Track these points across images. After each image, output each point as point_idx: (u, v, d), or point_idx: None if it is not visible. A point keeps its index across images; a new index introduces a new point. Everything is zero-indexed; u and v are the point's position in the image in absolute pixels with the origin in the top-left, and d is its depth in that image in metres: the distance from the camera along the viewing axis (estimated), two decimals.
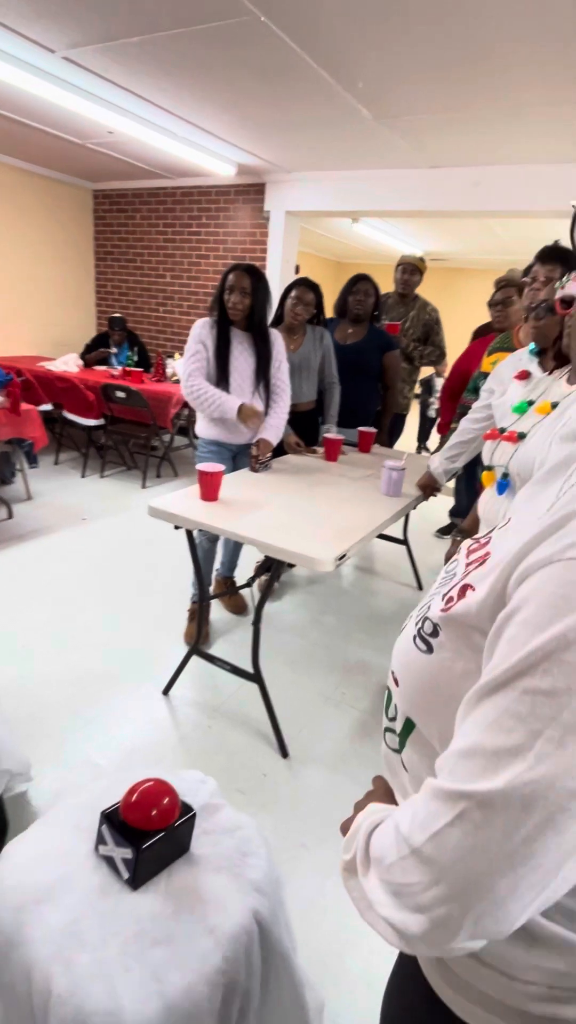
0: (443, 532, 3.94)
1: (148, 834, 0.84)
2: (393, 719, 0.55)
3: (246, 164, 4.32)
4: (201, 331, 2.24)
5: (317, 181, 4.37)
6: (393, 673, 0.54)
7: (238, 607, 2.69)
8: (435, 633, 0.47)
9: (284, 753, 1.87)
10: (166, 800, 0.87)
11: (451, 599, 0.47)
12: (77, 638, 2.40)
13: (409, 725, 0.51)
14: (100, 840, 0.86)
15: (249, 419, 2.24)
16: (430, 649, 0.47)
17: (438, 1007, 0.49)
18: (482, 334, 3.22)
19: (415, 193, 4.06)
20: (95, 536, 3.41)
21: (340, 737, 1.98)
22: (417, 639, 0.49)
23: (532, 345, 1.77)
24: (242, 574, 2.82)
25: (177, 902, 0.81)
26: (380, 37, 2.24)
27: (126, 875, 0.83)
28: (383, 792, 0.61)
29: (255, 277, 2.22)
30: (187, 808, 0.90)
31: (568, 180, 3.53)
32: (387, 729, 0.58)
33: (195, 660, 2.12)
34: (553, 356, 1.41)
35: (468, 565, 0.53)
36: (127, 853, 0.82)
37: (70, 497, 4.00)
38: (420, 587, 3.12)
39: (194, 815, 0.90)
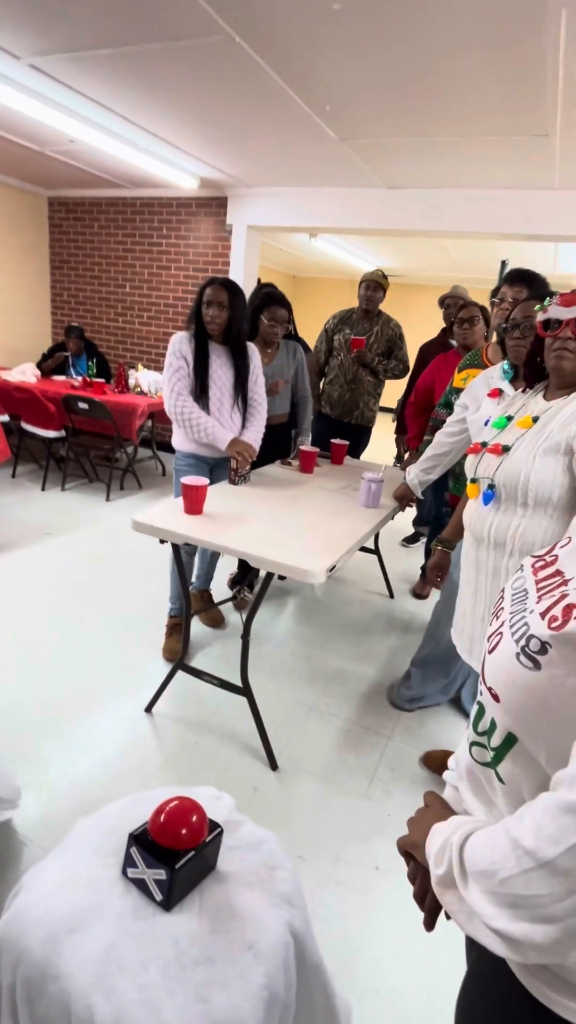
0: (408, 541, 4.04)
1: (179, 853, 0.83)
2: (484, 733, 0.57)
3: (209, 178, 4.35)
4: (181, 345, 2.24)
5: (279, 197, 4.44)
6: (491, 689, 0.56)
7: (215, 620, 2.67)
8: (543, 651, 0.49)
9: (274, 766, 1.87)
10: (194, 818, 0.86)
11: (556, 618, 0.49)
12: (50, 659, 2.33)
13: (510, 740, 0.53)
14: (129, 863, 0.85)
15: (239, 452, 2.26)
16: (537, 666, 0.49)
17: (534, 1006, 0.51)
18: (431, 349, 3.34)
19: (374, 212, 4.19)
20: (60, 551, 3.31)
21: (327, 747, 2.00)
22: (522, 656, 0.51)
23: (505, 364, 1.87)
24: (214, 587, 2.81)
25: (213, 921, 0.81)
26: (349, 64, 2.32)
27: (159, 897, 0.82)
28: (441, 807, 0.64)
29: (232, 291, 2.24)
30: (214, 825, 0.90)
31: (517, 205, 3.73)
32: (475, 743, 0.60)
33: (178, 676, 2.10)
34: (525, 375, 1.49)
35: (541, 582, 0.56)
36: (160, 874, 0.81)
37: (31, 512, 3.87)
38: (392, 596, 3.19)
39: (221, 831, 0.90)
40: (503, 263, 4.68)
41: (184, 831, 0.84)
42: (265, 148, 3.54)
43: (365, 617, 2.95)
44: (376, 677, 2.43)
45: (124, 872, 0.86)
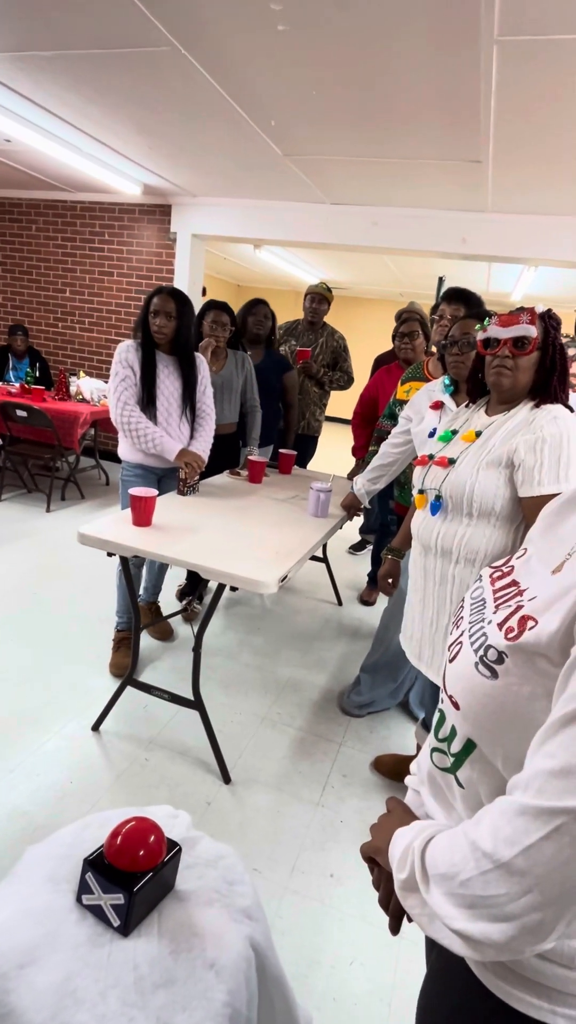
0: (355, 549, 4.11)
1: (137, 876, 0.81)
2: (444, 740, 0.59)
3: (152, 185, 4.31)
4: (127, 354, 2.20)
5: (224, 207, 4.46)
6: (451, 697, 0.57)
7: (164, 633, 2.62)
8: (500, 660, 0.51)
9: (227, 779, 1.86)
10: (152, 838, 0.84)
11: (512, 628, 0.52)
12: None
13: (469, 746, 0.55)
14: (84, 889, 0.82)
15: (187, 463, 2.24)
16: (495, 675, 0.52)
17: (492, 1001, 0.53)
18: (385, 361, 3.44)
19: (318, 226, 4.27)
20: None
21: (280, 757, 2.00)
22: (480, 666, 0.53)
23: (446, 379, 1.95)
24: (162, 598, 2.76)
25: (173, 941, 0.80)
26: (293, 83, 2.37)
27: (117, 922, 0.80)
28: (403, 812, 0.66)
29: (180, 301, 2.23)
30: (172, 844, 0.88)
31: (454, 225, 3.91)
32: (436, 749, 0.62)
33: (125, 691, 2.04)
34: (468, 391, 1.56)
35: (498, 592, 0.59)
36: (118, 899, 0.79)
37: None
38: (340, 603, 3.24)
39: (180, 850, 0.88)
40: (440, 280, 4.87)
41: (142, 852, 0.82)
42: (210, 159, 3.55)
43: (315, 625, 2.97)
44: (327, 684, 2.46)
45: (79, 899, 0.83)
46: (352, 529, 4.09)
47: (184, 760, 1.92)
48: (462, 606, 0.66)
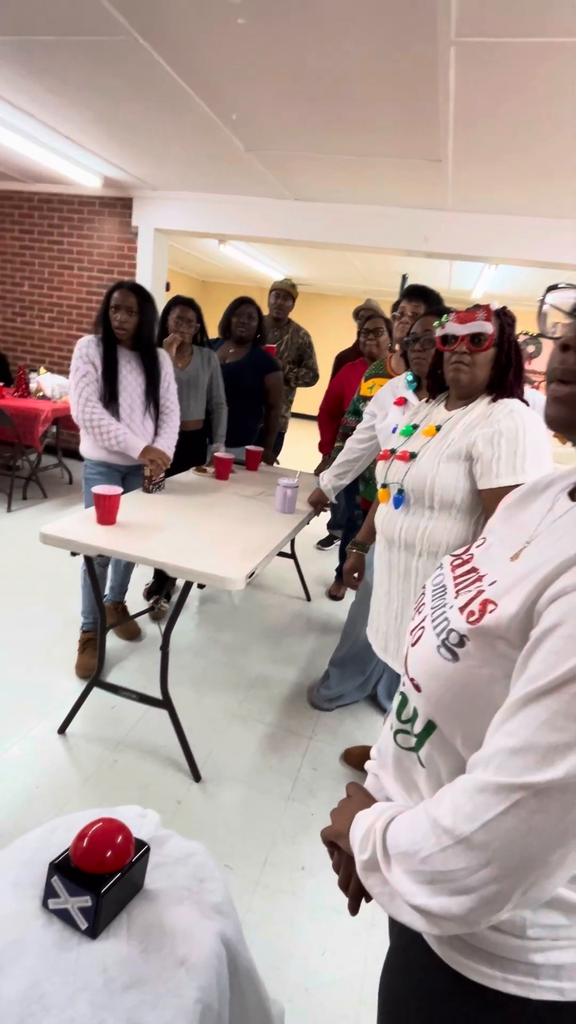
0: (323, 544, 4.13)
1: (105, 877, 0.80)
2: (407, 721, 0.61)
3: (113, 177, 4.23)
4: (88, 349, 2.16)
5: (187, 201, 4.41)
6: (413, 680, 0.59)
7: (131, 633, 2.59)
8: (461, 643, 0.53)
9: (197, 777, 1.85)
10: (120, 839, 0.84)
11: (473, 612, 0.53)
12: None
13: (430, 727, 0.57)
14: (50, 894, 0.81)
15: (152, 459, 2.21)
16: (456, 657, 0.53)
17: (448, 973, 0.55)
18: (347, 358, 3.47)
19: (280, 222, 4.27)
20: None
21: (251, 752, 2.00)
22: (442, 649, 0.55)
23: (409, 375, 1.97)
24: (127, 597, 2.73)
25: (143, 941, 0.79)
26: (254, 77, 2.36)
27: (84, 925, 0.79)
28: (363, 796, 0.67)
29: (142, 296, 2.20)
30: (140, 843, 0.87)
31: (416, 223, 3.96)
32: (399, 731, 0.63)
33: (92, 693, 2.01)
34: (428, 386, 1.59)
35: (459, 578, 0.61)
36: (85, 901, 0.78)
37: None
38: (308, 598, 3.26)
39: (148, 849, 0.88)
40: (404, 277, 4.94)
41: (109, 853, 0.82)
42: (171, 152, 3.50)
43: (283, 621, 2.98)
44: (297, 679, 2.47)
45: (45, 904, 0.82)
46: (320, 525, 4.12)
47: (154, 760, 1.91)
48: (423, 592, 0.68)
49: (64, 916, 0.80)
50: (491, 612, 0.51)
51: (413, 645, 0.61)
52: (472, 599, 0.55)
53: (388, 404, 2.03)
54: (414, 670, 0.59)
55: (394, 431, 1.63)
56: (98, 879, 0.80)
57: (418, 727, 0.59)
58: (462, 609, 0.55)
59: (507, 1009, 0.53)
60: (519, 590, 0.49)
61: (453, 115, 2.44)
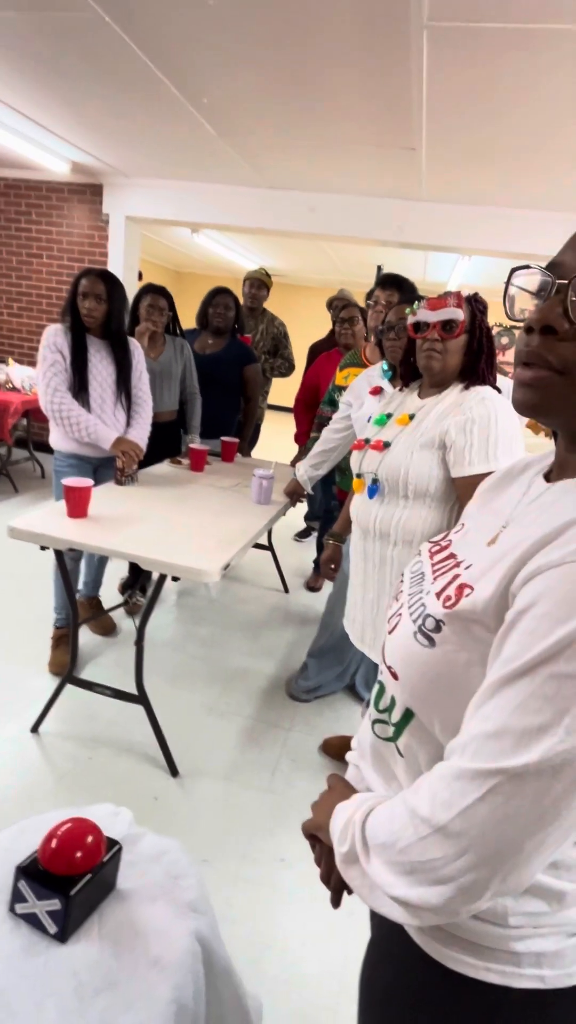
0: (300, 536, 4.12)
1: (74, 879, 0.78)
2: (385, 710, 0.60)
3: (82, 163, 4.12)
4: (56, 338, 2.10)
5: (159, 188, 4.32)
6: (391, 668, 0.58)
7: (106, 628, 2.55)
8: (438, 629, 0.52)
9: (174, 772, 1.83)
10: (90, 838, 0.81)
11: (450, 597, 0.52)
12: None
13: (408, 715, 0.56)
14: (17, 898, 0.78)
15: (124, 451, 2.16)
16: (432, 643, 0.52)
17: (429, 963, 0.54)
18: (321, 349, 3.45)
19: (255, 211, 4.21)
20: None
21: (229, 746, 1.99)
22: (418, 635, 0.53)
23: (384, 364, 1.96)
24: (102, 592, 2.69)
25: (114, 943, 0.77)
26: (225, 60, 2.31)
27: (53, 929, 0.76)
28: (343, 787, 0.66)
29: (110, 283, 2.14)
30: (112, 843, 0.85)
31: (391, 213, 3.94)
32: (377, 720, 0.62)
33: (66, 690, 1.97)
34: (401, 375, 1.58)
35: (436, 565, 0.60)
36: (54, 904, 0.76)
37: None
38: (286, 590, 3.24)
39: (120, 848, 0.85)
40: (379, 268, 4.92)
41: (79, 854, 0.79)
42: (142, 137, 3.42)
43: (261, 613, 2.97)
44: (275, 672, 2.46)
45: (12, 909, 0.79)
46: (297, 516, 4.10)
47: (130, 756, 1.88)
48: (402, 580, 0.67)
49: (32, 920, 0.78)
50: (467, 596, 0.50)
51: (390, 633, 0.60)
52: (448, 583, 0.54)
53: (364, 393, 2.02)
54: (391, 658, 0.58)
55: (369, 420, 1.62)
56: (67, 881, 0.78)
57: (396, 716, 0.58)
58: (438, 594, 0.54)
59: (488, 998, 0.52)
60: (495, 572, 0.48)
61: (427, 102, 2.42)
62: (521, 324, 0.50)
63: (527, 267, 0.51)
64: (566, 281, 0.46)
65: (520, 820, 0.41)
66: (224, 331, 2.95)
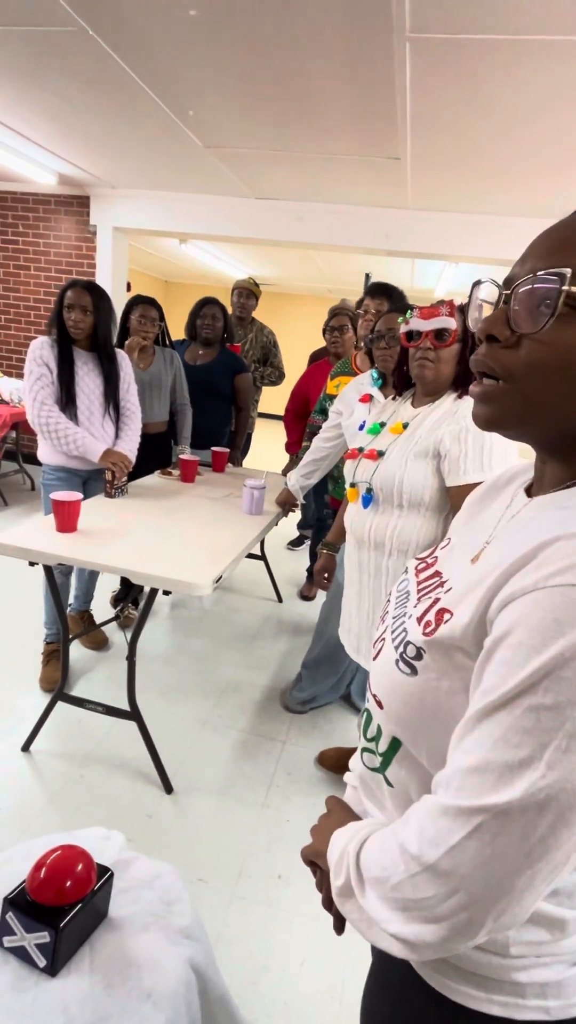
0: (293, 544, 4.11)
1: (64, 910, 0.76)
2: (372, 739, 0.58)
3: (69, 175, 4.12)
4: (42, 351, 2.08)
5: (146, 200, 4.33)
6: (375, 696, 0.56)
7: (98, 642, 2.52)
8: (419, 656, 0.50)
9: (168, 789, 1.80)
10: (80, 867, 0.79)
11: (430, 623, 0.50)
12: None
13: (395, 744, 0.54)
14: (4, 931, 0.76)
15: (113, 463, 2.15)
16: (414, 671, 0.50)
17: (431, 994, 0.52)
18: (318, 358, 3.45)
19: (242, 221, 4.22)
20: None
21: (223, 761, 1.96)
22: (400, 663, 0.52)
23: (374, 372, 1.96)
24: (94, 606, 2.65)
25: (106, 975, 0.75)
26: (210, 72, 2.32)
27: (43, 962, 0.74)
28: (341, 811, 0.64)
29: (96, 295, 2.13)
30: (103, 870, 0.83)
31: (377, 221, 3.97)
32: (365, 749, 0.60)
33: (57, 707, 1.94)
34: (394, 384, 1.58)
35: (421, 584, 0.58)
36: (43, 937, 0.73)
37: None
38: (280, 600, 3.22)
39: (111, 875, 0.83)
40: (367, 276, 4.94)
41: (69, 883, 0.77)
42: (128, 149, 3.42)
43: (255, 624, 2.94)
44: (269, 683, 2.43)
45: (0, 943, 0.76)
46: (290, 525, 4.08)
47: (123, 773, 1.85)
48: (389, 599, 0.65)
49: (20, 954, 0.75)
50: (446, 622, 0.48)
51: (374, 659, 0.59)
52: (429, 608, 0.52)
53: (354, 402, 2.01)
54: (376, 686, 0.56)
55: (361, 428, 1.61)
56: (57, 912, 0.75)
57: (383, 746, 0.56)
58: (419, 619, 0.52)
59: None
60: (472, 597, 0.46)
61: (410, 113, 2.44)
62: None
63: (483, 281, 0.51)
64: (509, 291, 0.46)
65: (508, 858, 0.39)
66: (213, 342, 2.94)
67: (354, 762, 0.67)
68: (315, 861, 0.62)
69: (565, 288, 0.42)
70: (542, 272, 0.43)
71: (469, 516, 0.64)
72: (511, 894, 0.40)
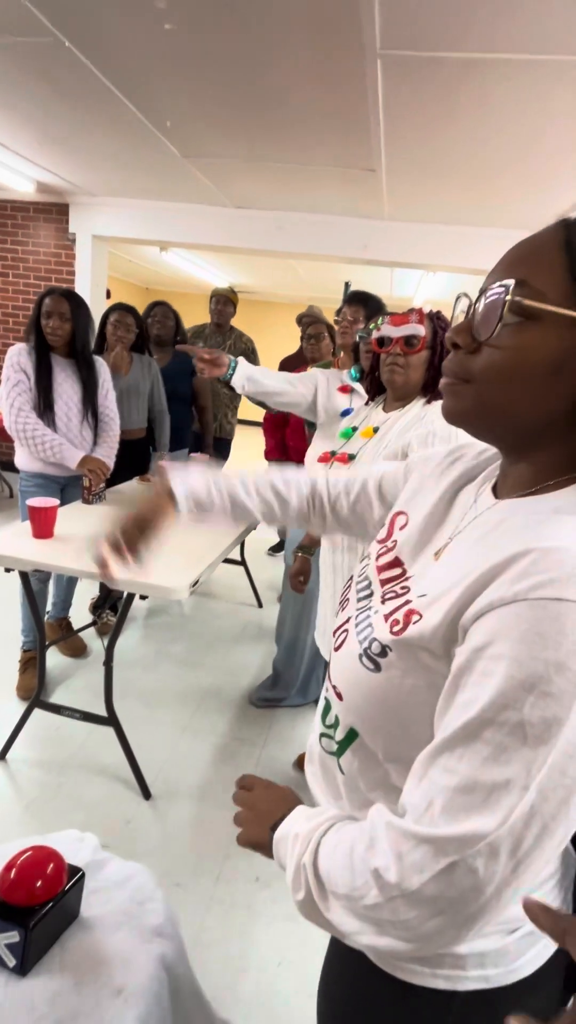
0: (274, 550, 4.12)
1: (35, 909, 0.76)
2: (331, 727, 0.59)
3: (47, 183, 4.12)
4: (20, 358, 2.09)
5: (125, 208, 4.34)
6: (335, 687, 0.57)
7: (76, 649, 2.50)
8: (383, 653, 0.51)
9: (147, 794, 1.79)
10: (50, 867, 0.80)
11: (398, 622, 0.51)
12: None
13: (352, 735, 0.55)
14: None
15: (91, 470, 2.16)
16: (378, 668, 0.51)
17: (382, 976, 0.54)
18: (291, 364, 3.48)
19: (222, 229, 4.26)
20: None
21: (202, 766, 1.96)
22: (364, 659, 0.53)
23: (353, 370, 1.99)
24: (73, 612, 2.64)
25: (76, 973, 0.75)
26: (185, 84, 2.35)
27: (13, 962, 0.74)
28: (264, 789, 0.63)
29: (74, 302, 2.14)
30: (74, 870, 0.83)
31: (355, 231, 4.03)
32: (323, 734, 0.61)
33: (34, 714, 1.92)
34: (367, 389, 1.61)
35: (383, 571, 0.60)
36: (12, 937, 0.74)
37: None
38: (260, 605, 3.23)
39: (83, 875, 0.84)
40: (347, 284, 5.00)
41: (39, 883, 0.77)
42: (107, 157, 3.44)
43: (235, 629, 2.95)
44: (248, 687, 2.44)
45: None
46: (271, 531, 4.10)
47: (101, 780, 1.84)
48: (349, 585, 0.66)
49: None
50: (415, 623, 0.49)
51: (336, 650, 0.59)
52: (398, 608, 0.53)
53: (332, 388, 2.02)
54: (336, 677, 0.57)
55: (344, 415, 1.66)
56: (27, 912, 0.76)
57: (339, 735, 0.57)
58: (387, 617, 0.53)
59: (437, 1003, 0.53)
60: (444, 601, 0.47)
61: (384, 126, 2.50)
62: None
63: (460, 297, 0.55)
64: (470, 303, 0.51)
65: (496, 878, 0.39)
66: (165, 342, 2.99)
67: (310, 744, 0.68)
68: (255, 850, 0.61)
69: (508, 298, 0.45)
70: (495, 284, 0.47)
71: (421, 487, 0.66)
72: (498, 907, 0.40)
